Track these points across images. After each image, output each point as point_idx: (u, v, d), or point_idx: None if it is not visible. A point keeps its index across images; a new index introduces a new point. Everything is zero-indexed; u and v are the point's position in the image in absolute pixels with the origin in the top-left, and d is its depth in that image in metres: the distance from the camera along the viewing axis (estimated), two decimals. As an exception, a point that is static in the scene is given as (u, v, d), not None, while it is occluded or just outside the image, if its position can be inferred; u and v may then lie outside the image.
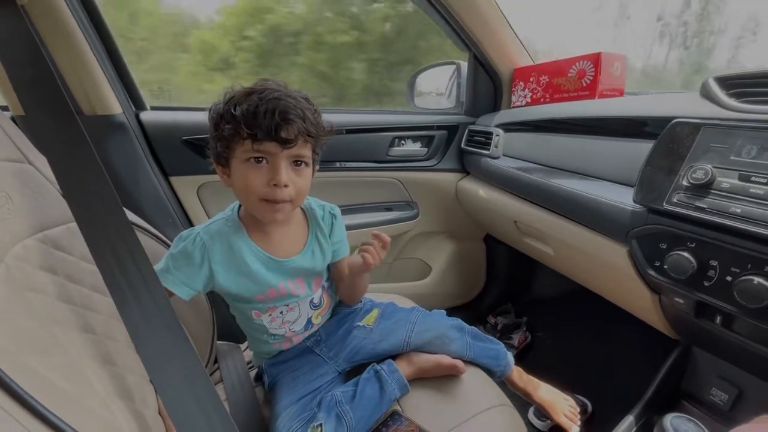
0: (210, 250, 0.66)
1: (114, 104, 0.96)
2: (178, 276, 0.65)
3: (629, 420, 0.83)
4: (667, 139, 0.67)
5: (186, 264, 0.65)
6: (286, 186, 0.61)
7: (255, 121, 0.57)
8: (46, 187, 0.58)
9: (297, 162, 0.63)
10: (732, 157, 0.59)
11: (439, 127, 1.37)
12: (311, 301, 0.77)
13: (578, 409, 0.87)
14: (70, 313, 0.49)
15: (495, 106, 1.40)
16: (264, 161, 0.61)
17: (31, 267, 0.47)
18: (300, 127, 0.59)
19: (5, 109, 0.88)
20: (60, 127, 0.53)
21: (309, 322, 0.78)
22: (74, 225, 0.54)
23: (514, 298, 1.64)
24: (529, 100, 1.26)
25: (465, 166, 1.41)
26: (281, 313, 0.74)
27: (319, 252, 0.75)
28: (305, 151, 0.63)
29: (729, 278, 0.57)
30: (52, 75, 0.55)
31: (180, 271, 0.65)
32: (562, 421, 0.84)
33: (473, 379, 0.74)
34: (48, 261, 0.50)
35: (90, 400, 0.43)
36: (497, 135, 1.20)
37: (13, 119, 0.83)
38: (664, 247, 0.65)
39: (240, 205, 0.72)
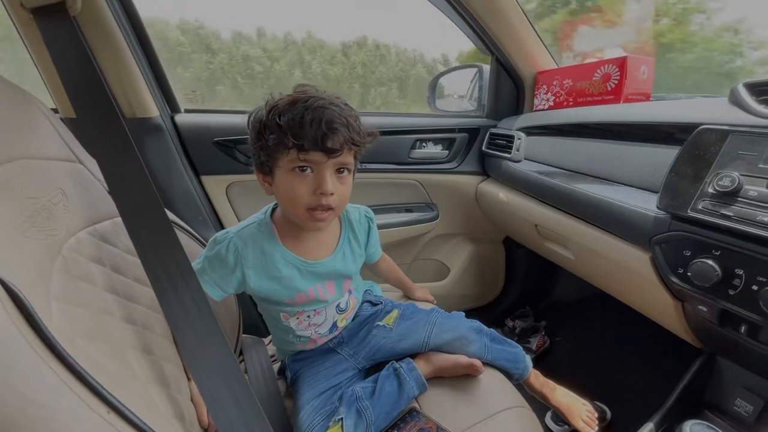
0: (243, 255, 0.68)
1: (152, 107, 1.01)
2: (212, 276, 0.68)
3: (649, 427, 0.82)
4: (693, 145, 0.67)
5: (220, 266, 0.68)
6: (331, 194, 0.62)
7: (301, 131, 0.57)
8: (94, 183, 0.63)
9: (340, 170, 0.64)
10: (761, 165, 0.58)
11: (461, 130, 1.38)
12: (338, 306, 0.79)
13: (596, 415, 0.86)
14: (115, 303, 0.53)
15: (517, 110, 1.40)
16: (309, 170, 0.61)
17: (83, 258, 0.51)
18: (345, 136, 0.59)
19: (54, 111, 0.94)
20: (109, 129, 0.57)
21: (334, 325, 0.80)
22: (118, 219, 0.58)
23: (532, 301, 1.63)
24: (552, 103, 1.26)
25: (486, 169, 1.42)
26: (308, 316, 0.76)
27: (350, 254, 0.77)
28: (349, 159, 0.63)
29: (755, 287, 0.57)
30: (100, 80, 0.59)
31: (215, 272, 0.68)
32: (580, 425, 0.84)
33: (491, 380, 0.75)
34: (97, 253, 0.54)
35: (133, 383, 0.47)
36: (519, 138, 1.20)
37: (62, 120, 0.89)
38: (688, 254, 0.65)
39: (273, 209, 0.74)
